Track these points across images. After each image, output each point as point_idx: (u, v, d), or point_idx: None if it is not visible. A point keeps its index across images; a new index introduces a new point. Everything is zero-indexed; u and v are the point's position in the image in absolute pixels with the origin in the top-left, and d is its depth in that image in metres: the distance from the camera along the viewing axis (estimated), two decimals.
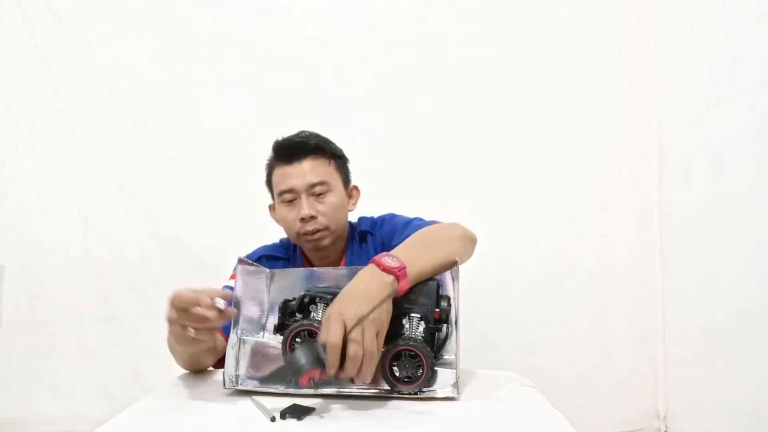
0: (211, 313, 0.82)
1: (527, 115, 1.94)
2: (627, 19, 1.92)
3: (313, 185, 1.18)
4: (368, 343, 0.78)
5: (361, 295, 0.81)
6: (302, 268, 1.22)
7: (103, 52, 1.97)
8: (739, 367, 1.40)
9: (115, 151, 1.97)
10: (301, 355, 0.77)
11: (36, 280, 1.94)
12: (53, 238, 1.95)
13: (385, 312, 0.82)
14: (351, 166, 1.32)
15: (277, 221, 1.25)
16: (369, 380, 0.80)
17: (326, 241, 1.20)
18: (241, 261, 0.95)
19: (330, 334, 0.77)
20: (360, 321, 0.78)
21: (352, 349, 0.76)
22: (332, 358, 0.76)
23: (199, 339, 0.85)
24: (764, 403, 1.29)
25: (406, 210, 1.33)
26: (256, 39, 1.99)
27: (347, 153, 1.31)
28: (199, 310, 0.81)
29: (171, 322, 0.85)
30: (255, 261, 1.10)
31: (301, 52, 1.98)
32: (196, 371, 1.07)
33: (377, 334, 0.79)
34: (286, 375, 0.78)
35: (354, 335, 0.77)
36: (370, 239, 1.26)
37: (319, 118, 1.84)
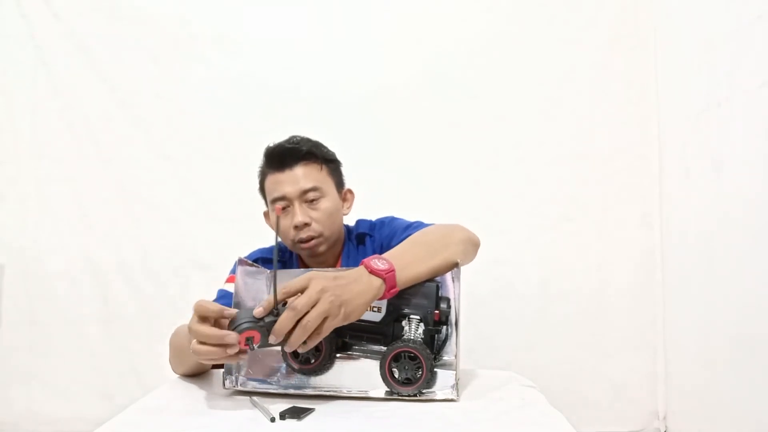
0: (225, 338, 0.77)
1: (527, 116, 1.94)
2: (627, 20, 1.92)
3: (305, 192, 1.17)
4: (310, 316, 0.76)
5: (344, 283, 0.81)
6: (301, 269, 1.22)
7: (103, 52, 1.97)
8: (739, 368, 1.40)
9: (115, 151, 1.97)
10: (245, 315, 0.78)
11: (36, 280, 1.94)
12: (53, 238, 1.95)
13: (354, 310, 0.81)
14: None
15: (272, 228, 1.24)
16: (291, 350, 0.80)
17: (322, 248, 1.19)
18: (241, 261, 0.95)
19: (294, 283, 0.79)
20: (319, 295, 0.77)
21: (295, 307, 0.76)
22: (270, 300, 0.77)
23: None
24: (764, 404, 1.29)
25: (407, 210, 1.32)
26: (257, 39, 1.99)
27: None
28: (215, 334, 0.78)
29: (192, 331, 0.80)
30: None
31: (301, 53, 1.98)
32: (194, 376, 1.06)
33: (325, 318, 0.78)
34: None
35: (305, 300, 0.76)
36: (368, 241, 1.26)
37: (319, 118, 1.85)
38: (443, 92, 1.96)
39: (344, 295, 0.80)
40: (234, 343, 0.76)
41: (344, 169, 1.31)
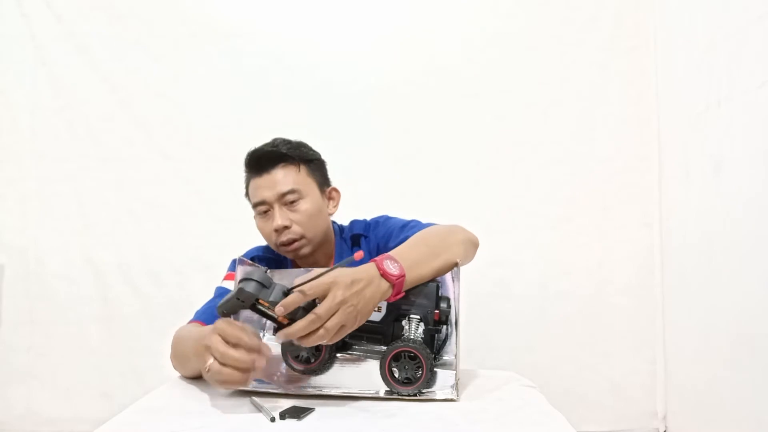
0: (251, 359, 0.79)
1: (528, 116, 1.94)
2: (626, 20, 1.92)
3: (283, 194, 1.14)
4: (329, 325, 0.78)
5: (359, 290, 0.81)
6: (300, 269, 1.21)
7: (103, 52, 1.97)
8: (739, 368, 1.40)
9: (115, 150, 1.97)
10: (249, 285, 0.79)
11: (36, 280, 1.94)
12: (53, 238, 1.95)
13: (365, 316, 0.83)
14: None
15: (260, 233, 1.24)
16: (305, 345, 0.81)
17: (305, 250, 1.17)
18: (241, 261, 0.95)
19: (317, 286, 0.79)
20: (339, 307, 0.78)
21: (318, 317, 0.77)
22: (292, 300, 0.78)
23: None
24: (764, 404, 1.29)
25: (407, 210, 1.32)
26: (257, 39, 1.99)
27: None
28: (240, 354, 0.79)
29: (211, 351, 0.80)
30: None
31: (301, 52, 1.98)
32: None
33: (342, 326, 0.80)
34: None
35: (325, 311, 0.77)
36: (363, 242, 1.24)
37: (318, 118, 1.85)
38: (443, 92, 1.96)
39: (360, 304, 0.81)
40: (267, 356, 0.80)
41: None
